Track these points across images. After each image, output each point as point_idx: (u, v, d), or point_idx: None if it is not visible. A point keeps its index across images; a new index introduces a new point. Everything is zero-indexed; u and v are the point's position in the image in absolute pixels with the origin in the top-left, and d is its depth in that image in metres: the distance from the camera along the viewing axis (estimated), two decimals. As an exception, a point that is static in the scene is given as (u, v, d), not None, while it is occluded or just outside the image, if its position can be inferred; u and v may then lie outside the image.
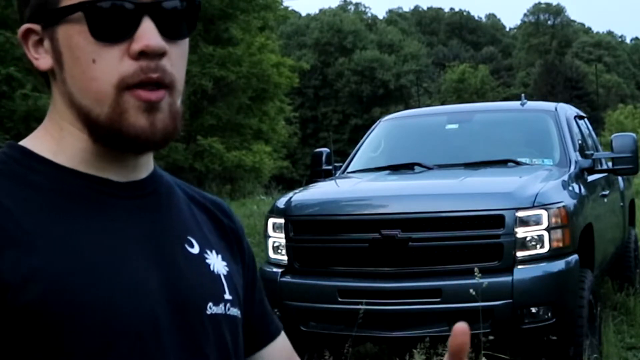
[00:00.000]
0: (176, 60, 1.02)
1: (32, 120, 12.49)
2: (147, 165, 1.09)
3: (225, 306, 1.08)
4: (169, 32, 1.00)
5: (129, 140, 0.99)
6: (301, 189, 6.31)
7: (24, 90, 12.42)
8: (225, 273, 1.11)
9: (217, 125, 24.28)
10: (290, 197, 5.60)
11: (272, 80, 25.23)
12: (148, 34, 0.98)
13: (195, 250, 1.08)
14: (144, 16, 0.98)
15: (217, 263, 1.11)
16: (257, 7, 24.57)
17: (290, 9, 38.18)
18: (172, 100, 1.01)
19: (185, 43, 1.04)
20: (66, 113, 1.03)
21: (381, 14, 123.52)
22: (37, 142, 1.04)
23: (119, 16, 0.98)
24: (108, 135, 1.00)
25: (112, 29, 0.98)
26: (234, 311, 1.10)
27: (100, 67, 0.98)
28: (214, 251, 1.11)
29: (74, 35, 0.99)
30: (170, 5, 1.01)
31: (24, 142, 1.05)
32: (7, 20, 12.47)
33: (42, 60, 1.03)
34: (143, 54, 0.97)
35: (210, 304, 1.06)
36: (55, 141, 1.04)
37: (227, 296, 1.09)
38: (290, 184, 27.66)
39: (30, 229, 0.94)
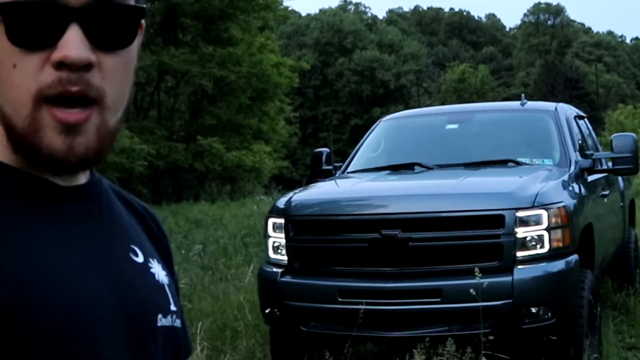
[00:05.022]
0: (111, 72, 0.92)
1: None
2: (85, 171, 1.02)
3: (172, 318, 1.04)
4: (102, 42, 0.91)
5: (43, 160, 0.91)
6: (301, 189, 6.30)
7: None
8: (167, 282, 1.07)
9: (217, 125, 24.29)
10: (290, 197, 5.59)
11: (272, 80, 25.27)
12: (71, 42, 0.88)
13: (140, 259, 1.03)
14: (72, 23, 0.89)
15: (160, 272, 1.06)
16: (257, 7, 24.62)
17: (290, 9, 38.29)
18: (101, 119, 0.92)
19: (127, 53, 0.95)
20: None
21: (381, 14, 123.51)
22: None
23: (41, 21, 0.88)
24: (22, 148, 0.92)
25: (32, 34, 0.88)
26: (178, 322, 1.06)
27: (19, 74, 0.89)
28: (155, 260, 1.07)
29: (1, 37, 0.90)
30: (105, 11, 0.91)
31: None
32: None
33: None
34: (63, 65, 0.88)
35: (160, 315, 1.01)
36: None
37: (173, 307, 1.05)
38: (290, 184, 27.69)
39: None
